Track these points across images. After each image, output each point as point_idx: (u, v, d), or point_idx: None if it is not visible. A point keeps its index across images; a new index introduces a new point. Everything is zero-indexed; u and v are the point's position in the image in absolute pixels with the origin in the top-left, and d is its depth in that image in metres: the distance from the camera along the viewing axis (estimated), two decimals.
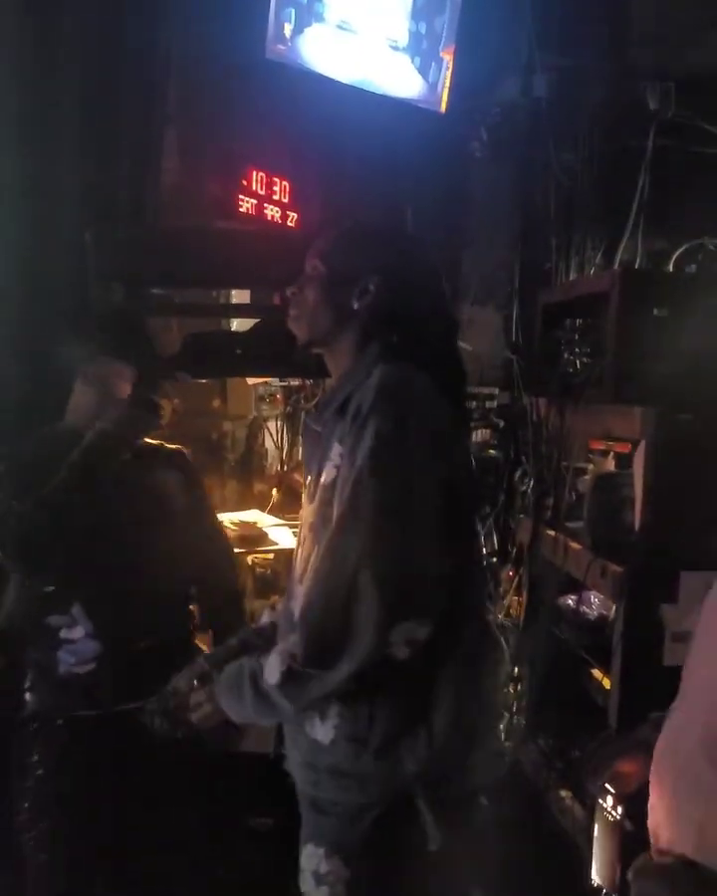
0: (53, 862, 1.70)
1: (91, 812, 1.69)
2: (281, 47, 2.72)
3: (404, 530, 1.15)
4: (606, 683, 2.22)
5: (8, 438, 1.75)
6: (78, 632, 1.71)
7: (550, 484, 2.60)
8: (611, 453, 2.42)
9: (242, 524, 2.63)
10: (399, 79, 3.04)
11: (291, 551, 1.45)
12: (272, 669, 1.16)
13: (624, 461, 2.30)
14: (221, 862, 1.84)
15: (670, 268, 3.00)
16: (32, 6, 1.89)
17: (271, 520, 2.81)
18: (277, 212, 2.97)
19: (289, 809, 1.31)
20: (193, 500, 1.92)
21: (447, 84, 3.11)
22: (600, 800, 1.32)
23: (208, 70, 2.66)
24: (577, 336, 2.44)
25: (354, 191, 3.10)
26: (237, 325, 2.62)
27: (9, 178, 1.86)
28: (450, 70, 3.09)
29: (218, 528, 2.08)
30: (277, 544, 2.56)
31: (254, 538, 2.54)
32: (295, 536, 1.52)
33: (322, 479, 1.28)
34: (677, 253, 3.04)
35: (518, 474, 3.02)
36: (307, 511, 1.35)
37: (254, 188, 2.86)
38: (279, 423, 3.20)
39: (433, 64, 3.08)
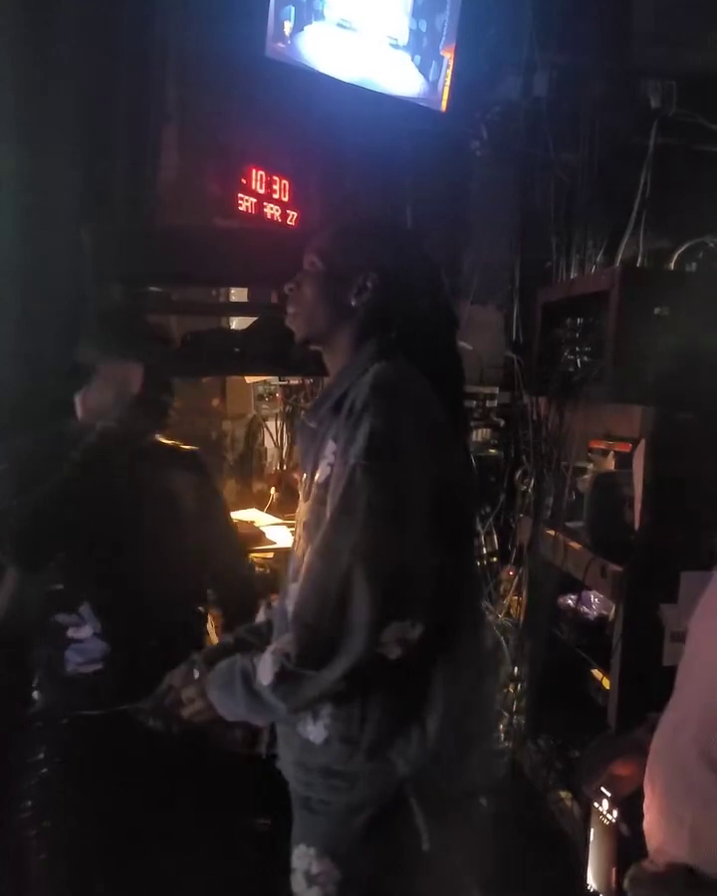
0: (54, 862, 1.69)
1: (93, 813, 1.68)
2: (280, 45, 2.71)
3: (397, 529, 1.14)
4: (606, 683, 2.22)
5: (4, 435, 1.73)
6: (85, 632, 1.70)
7: (550, 483, 2.59)
8: (612, 452, 2.41)
9: (240, 523, 2.63)
10: (400, 77, 3.03)
11: (289, 550, 1.44)
12: (265, 669, 1.16)
13: (625, 460, 2.29)
14: (223, 863, 1.83)
15: (672, 266, 3.00)
16: (29, 3, 1.88)
17: (270, 519, 2.80)
18: (277, 211, 2.96)
19: (285, 810, 1.30)
20: (207, 501, 1.90)
21: (448, 82, 3.10)
22: (596, 804, 1.31)
23: (208, 68, 2.65)
24: (577, 335, 2.44)
25: (354, 190, 3.09)
26: (237, 323, 2.61)
27: (5, 175, 1.85)
28: (451, 68, 3.08)
29: (233, 530, 2.06)
30: (275, 543, 2.55)
31: (252, 537, 2.53)
32: (292, 534, 1.51)
33: (316, 477, 1.27)
34: (679, 251, 3.04)
35: (519, 473, 3.02)
36: (302, 509, 1.34)
37: (254, 187, 2.85)
38: (278, 422, 3.19)
39: (434, 62, 3.06)
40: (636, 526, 2.07)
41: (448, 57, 3.08)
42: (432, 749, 1.18)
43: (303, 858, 1.22)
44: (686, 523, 1.96)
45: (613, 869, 1.29)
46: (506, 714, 2.75)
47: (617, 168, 3.08)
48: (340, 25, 2.85)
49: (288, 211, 3.03)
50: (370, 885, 1.20)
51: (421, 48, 3.03)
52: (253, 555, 2.46)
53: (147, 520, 1.73)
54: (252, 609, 1.86)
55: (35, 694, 1.77)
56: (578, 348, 2.41)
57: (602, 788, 1.29)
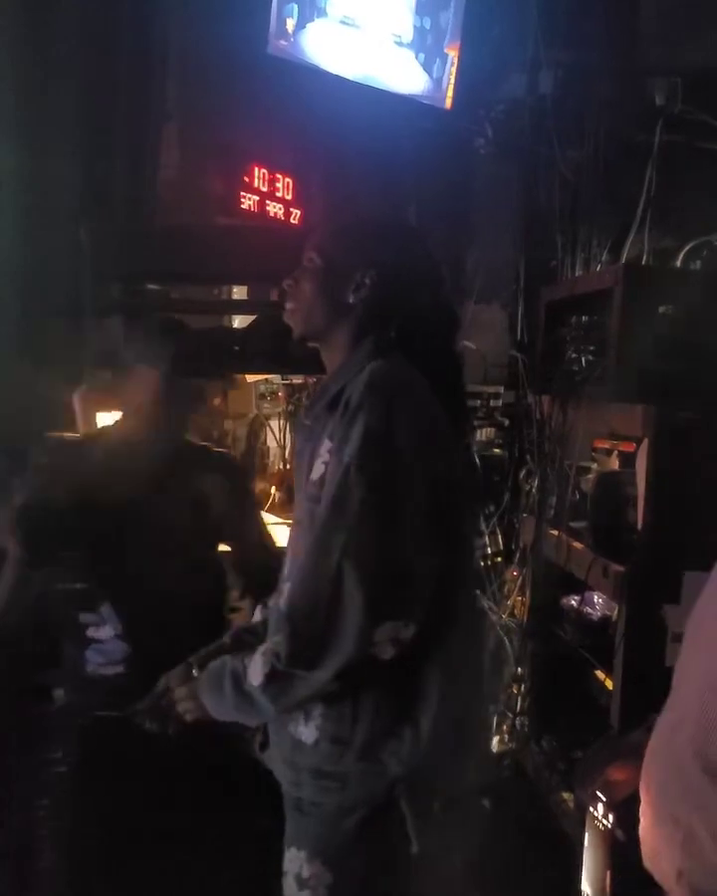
0: (66, 860, 1.69)
1: (107, 814, 1.68)
2: (283, 42, 2.70)
3: (390, 528, 1.14)
4: (609, 684, 2.20)
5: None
6: (106, 632, 1.70)
7: (553, 483, 2.57)
8: (616, 452, 2.40)
9: None
10: (404, 75, 3.03)
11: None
12: (255, 670, 1.15)
13: (629, 460, 2.27)
14: (238, 865, 1.82)
15: (678, 264, 2.97)
16: (29, 2, 1.88)
17: (272, 518, 2.80)
18: (280, 209, 2.96)
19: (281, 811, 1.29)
20: (238, 505, 1.88)
21: (452, 80, 3.09)
22: (591, 808, 1.29)
23: (210, 66, 2.64)
24: (581, 334, 2.42)
25: (358, 188, 3.08)
26: (239, 322, 2.61)
27: (4, 174, 1.85)
28: (455, 66, 3.07)
29: (265, 534, 2.02)
30: (277, 542, 2.54)
31: None
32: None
33: (311, 475, 1.26)
34: (684, 250, 3.02)
35: (523, 473, 3.00)
36: (297, 507, 1.33)
37: (256, 185, 2.85)
38: (281, 421, 3.19)
39: (438, 60, 3.06)
40: (639, 526, 2.05)
41: (453, 54, 3.07)
42: (425, 750, 1.16)
43: (294, 861, 1.21)
44: (689, 523, 1.94)
45: (608, 875, 1.27)
46: (509, 714, 2.74)
47: (623, 166, 3.05)
48: (343, 22, 2.84)
49: (291, 209, 3.03)
50: (362, 888, 1.19)
51: (425, 45, 3.03)
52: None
53: (174, 523, 1.72)
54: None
55: (59, 692, 1.77)
56: (581, 347, 2.39)
57: (598, 792, 1.27)
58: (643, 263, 3.00)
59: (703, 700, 0.99)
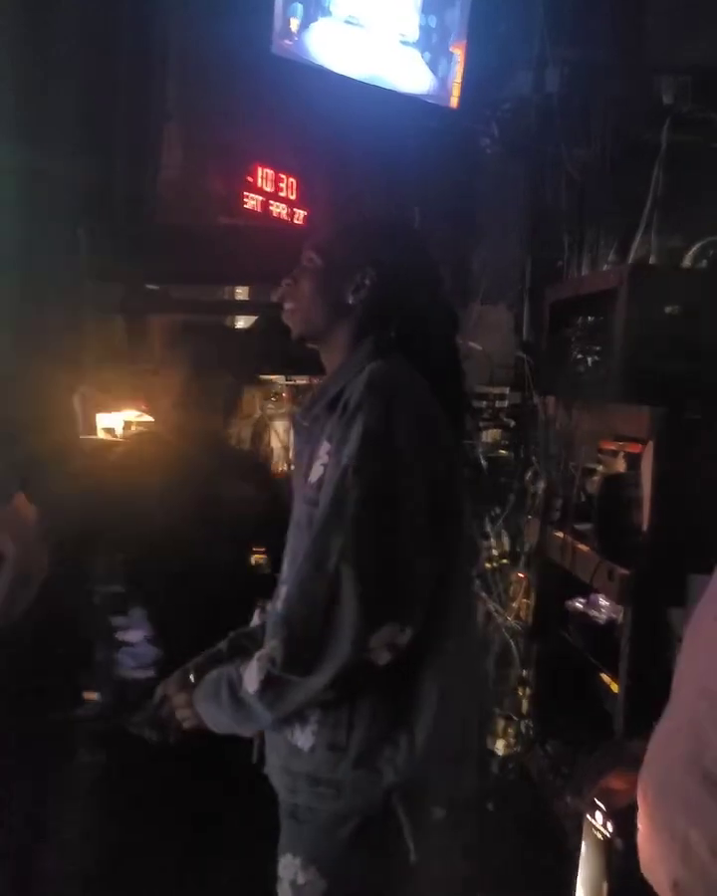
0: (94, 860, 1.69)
1: (133, 819, 1.68)
2: (287, 42, 2.69)
3: (388, 531, 1.12)
4: (615, 687, 2.18)
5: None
6: (136, 635, 1.70)
7: (559, 485, 2.56)
8: (622, 453, 2.37)
9: None
10: (409, 74, 3.01)
11: None
12: (251, 677, 1.14)
13: (636, 461, 2.25)
14: (233, 871, 1.81)
15: (688, 264, 2.94)
16: (29, 2, 1.87)
17: None
18: (284, 209, 2.95)
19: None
20: (274, 511, 1.88)
21: (458, 79, 3.07)
22: (588, 817, 1.27)
23: (214, 66, 2.64)
24: (586, 334, 2.40)
25: (363, 188, 3.07)
26: (242, 323, 2.60)
27: (2, 171, 1.84)
28: (461, 64, 3.06)
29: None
30: None
31: None
32: None
33: (309, 477, 1.25)
34: (692, 250, 2.99)
35: (529, 474, 2.98)
36: (295, 509, 1.32)
37: (260, 185, 2.84)
38: (286, 422, 3.17)
39: (443, 59, 3.04)
40: (645, 528, 2.03)
41: (458, 53, 3.06)
42: (422, 758, 1.15)
43: (288, 868, 1.20)
44: (695, 525, 1.91)
45: (605, 886, 1.25)
46: (514, 717, 2.72)
47: (630, 165, 3.03)
48: (348, 21, 2.83)
49: (295, 209, 3.02)
50: None
51: (431, 44, 3.02)
52: (256, 555, 2.44)
53: (209, 527, 1.71)
54: None
55: (92, 695, 1.77)
56: (586, 348, 2.37)
57: (597, 800, 1.25)
58: (650, 263, 2.98)
59: (697, 707, 0.97)
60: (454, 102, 3.08)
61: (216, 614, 1.68)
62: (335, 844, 1.17)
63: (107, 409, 2.05)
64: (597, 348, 2.34)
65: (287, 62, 2.69)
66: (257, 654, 1.16)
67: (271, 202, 2.90)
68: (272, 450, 3.22)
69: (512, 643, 2.79)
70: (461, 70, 3.05)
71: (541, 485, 2.76)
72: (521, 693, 2.73)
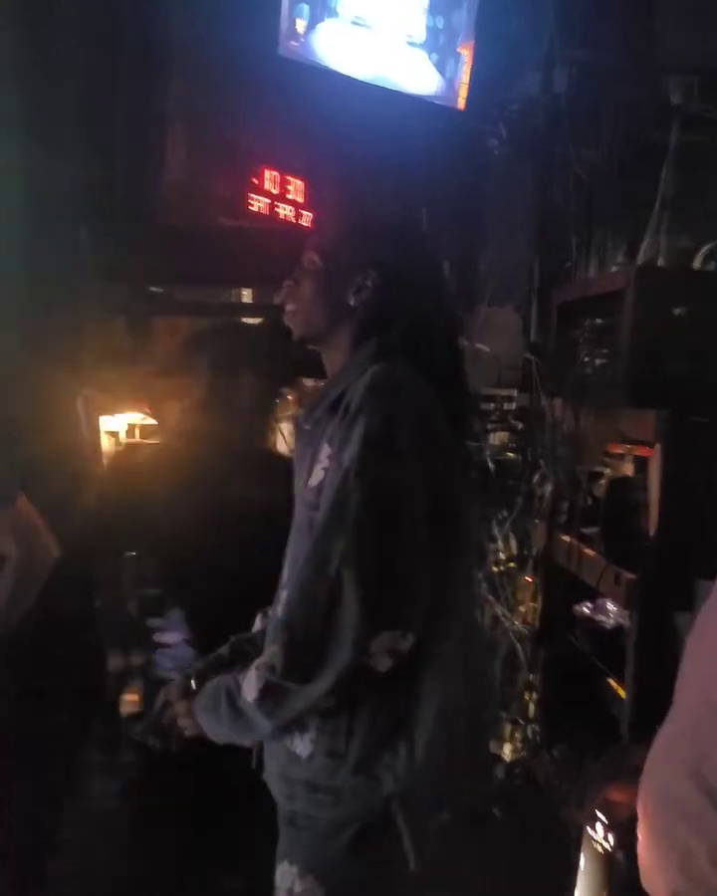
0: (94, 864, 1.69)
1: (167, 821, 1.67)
2: (294, 43, 2.69)
3: (389, 535, 1.11)
4: (622, 692, 2.16)
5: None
6: (174, 637, 1.69)
7: (566, 488, 2.54)
8: (630, 457, 2.35)
9: None
10: (416, 75, 3.00)
11: None
12: (250, 685, 1.12)
13: (644, 465, 2.23)
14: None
15: (696, 266, 2.92)
16: (30, 5, 1.87)
17: None
18: (290, 211, 2.94)
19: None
20: None
21: (465, 80, 3.06)
22: (588, 830, 1.25)
23: (220, 67, 2.63)
24: (593, 336, 2.38)
25: (370, 190, 3.06)
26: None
27: (5, 172, 1.84)
28: (468, 65, 3.04)
29: None
30: None
31: None
32: None
33: (310, 481, 1.24)
34: (702, 251, 2.96)
35: (536, 477, 2.96)
36: (296, 513, 1.31)
37: (266, 187, 2.83)
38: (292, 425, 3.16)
39: (451, 59, 3.03)
40: (652, 532, 2.01)
41: (466, 54, 3.04)
42: (421, 764, 1.13)
43: (286, 876, 1.18)
44: (703, 529, 1.89)
45: None
46: (521, 722, 2.70)
47: (639, 166, 3.01)
48: (354, 22, 2.82)
49: (302, 211, 3.01)
50: None
51: (438, 45, 3.00)
52: None
53: (248, 530, 1.69)
54: None
55: (134, 696, 1.77)
56: (594, 350, 2.36)
57: (597, 812, 1.23)
58: (659, 264, 2.96)
59: (699, 713, 0.96)
60: (461, 103, 3.07)
61: (251, 616, 1.69)
62: (333, 852, 1.15)
63: (110, 411, 2.05)
64: (605, 351, 2.32)
65: (293, 63, 2.68)
66: (255, 662, 1.14)
67: (277, 204, 2.89)
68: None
69: (519, 647, 2.77)
70: (468, 71, 3.04)
71: (548, 488, 2.74)
72: (528, 697, 2.71)
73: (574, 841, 1.39)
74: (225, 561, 1.66)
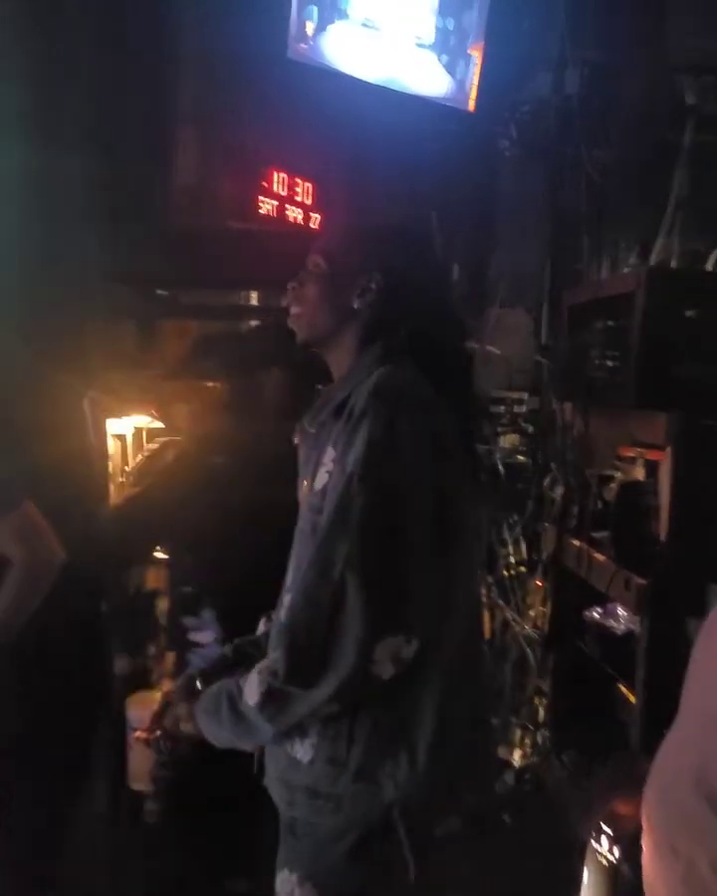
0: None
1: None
2: (303, 46, 2.68)
3: (393, 539, 1.10)
4: (633, 699, 2.14)
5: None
6: (207, 636, 1.69)
7: (576, 491, 2.51)
8: (641, 460, 2.33)
9: None
10: (426, 77, 2.99)
11: None
12: (251, 689, 1.11)
13: (656, 469, 2.20)
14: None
15: (710, 268, 2.89)
16: (41, 5, 1.88)
17: None
18: (299, 214, 2.93)
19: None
20: None
21: (476, 81, 3.04)
22: (592, 843, 1.23)
23: (228, 69, 2.63)
24: (605, 339, 2.36)
25: (380, 192, 3.05)
26: None
27: (13, 175, 1.85)
28: (479, 67, 3.03)
29: None
30: None
31: None
32: None
33: (314, 485, 1.23)
34: (715, 252, 2.93)
35: (547, 481, 2.94)
36: (301, 518, 1.30)
37: (275, 190, 2.83)
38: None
39: (461, 61, 3.02)
40: (662, 537, 1.99)
41: (476, 55, 3.03)
42: (423, 772, 1.12)
43: (285, 884, 1.17)
44: (714, 534, 1.87)
45: None
46: (531, 727, 2.68)
47: (652, 167, 2.99)
48: (364, 25, 2.82)
49: (311, 214, 3.00)
50: None
51: (448, 47, 2.99)
52: None
53: (275, 531, 1.70)
54: None
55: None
56: (605, 352, 2.34)
57: (602, 824, 1.21)
58: (672, 266, 2.93)
59: (704, 724, 0.94)
60: (471, 104, 3.06)
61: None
62: (333, 860, 1.14)
63: (116, 414, 2.05)
64: (616, 353, 2.30)
65: (302, 65, 2.68)
66: (258, 666, 1.13)
67: (286, 206, 2.89)
68: None
69: (529, 652, 2.75)
70: (478, 72, 3.02)
71: (559, 491, 2.72)
72: (537, 703, 2.68)
73: (578, 852, 1.37)
74: (256, 561, 1.65)
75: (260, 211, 2.81)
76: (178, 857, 1.67)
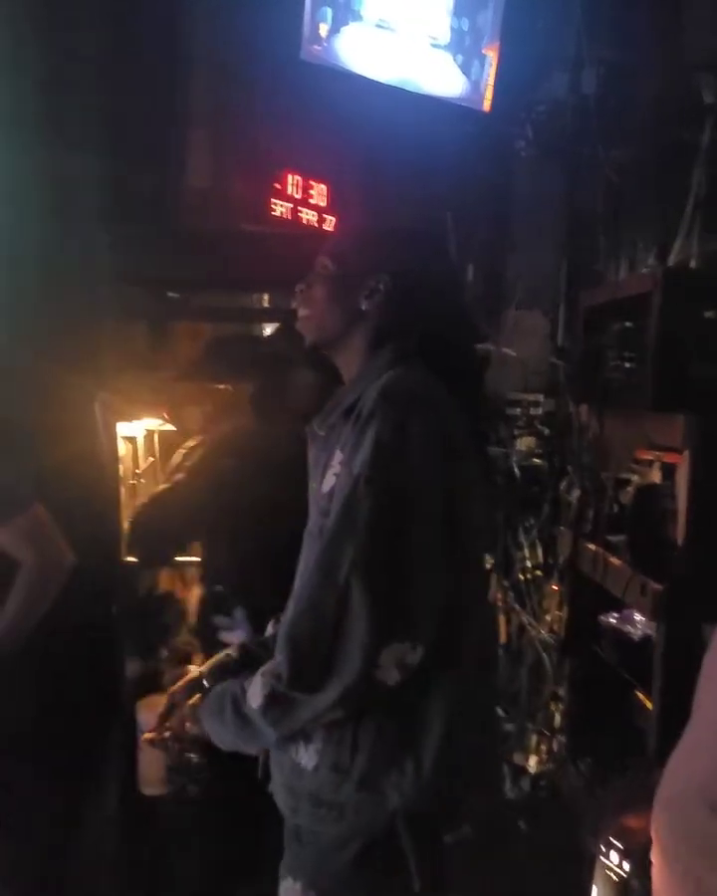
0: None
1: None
2: (317, 47, 2.68)
3: (401, 543, 1.08)
4: (649, 705, 2.11)
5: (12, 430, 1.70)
6: (238, 636, 1.69)
7: (592, 495, 2.48)
8: (658, 463, 2.29)
9: None
10: (441, 77, 2.98)
11: None
12: (255, 692, 1.10)
13: (673, 472, 2.17)
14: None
15: None
16: (51, 5, 1.88)
17: None
18: (313, 216, 2.92)
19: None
20: None
21: (491, 81, 3.03)
22: (601, 857, 1.20)
23: (242, 71, 2.63)
24: (622, 340, 2.33)
25: (395, 194, 3.04)
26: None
27: (24, 175, 1.85)
28: (494, 67, 3.01)
29: None
30: None
31: None
32: None
33: (322, 487, 1.22)
34: None
35: (563, 484, 2.91)
36: (309, 520, 1.28)
37: (289, 192, 2.82)
38: None
39: (476, 61, 3.00)
40: (679, 541, 1.96)
41: (491, 55, 3.01)
42: (428, 781, 1.10)
43: (289, 892, 1.16)
44: None
45: None
46: (546, 734, 2.65)
47: (669, 166, 2.95)
48: (378, 25, 2.81)
49: (325, 216, 2.99)
50: None
51: (463, 47, 2.98)
52: None
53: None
54: None
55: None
56: (622, 354, 2.31)
57: (612, 839, 1.18)
58: (690, 266, 2.89)
59: (713, 733, 0.91)
60: (487, 105, 3.04)
61: None
62: (337, 868, 1.13)
63: (127, 416, 2.04)
64: (633, 355, 2.27)
65: (316, 66, 2.67)
66: (262, 669, 1.12)
67: (300, 208, 2.88)
68: None
69: (545, 657, 2.72)
70: (494, 72, 3.00)
71: (576, 494, 2.68)
72: (553, 708, 2.65)
73: (587, 865, 1.34)
74: (285, 561, 1.65)
75: (273, 213, 2.80)
76: (187, 863, 1.66)
